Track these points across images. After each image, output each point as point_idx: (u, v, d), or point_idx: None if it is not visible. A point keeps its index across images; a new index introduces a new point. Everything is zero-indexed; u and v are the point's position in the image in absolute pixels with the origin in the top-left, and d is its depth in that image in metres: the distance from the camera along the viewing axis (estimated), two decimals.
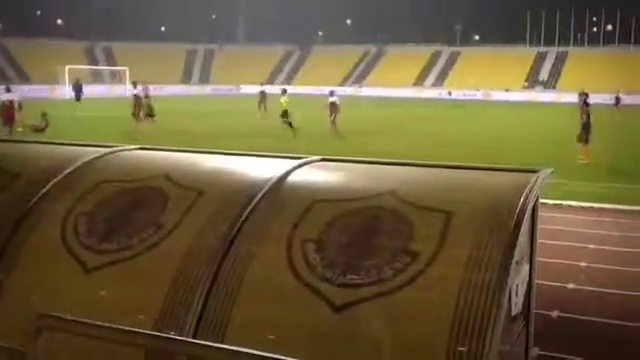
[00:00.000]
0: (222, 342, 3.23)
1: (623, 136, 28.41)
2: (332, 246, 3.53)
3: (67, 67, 58.15)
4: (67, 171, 4.52)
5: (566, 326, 7.50)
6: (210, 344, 2.54)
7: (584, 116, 20.69)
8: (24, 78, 65.40)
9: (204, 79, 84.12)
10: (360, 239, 3.55)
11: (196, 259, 3.64)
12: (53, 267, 3.94)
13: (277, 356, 2.20)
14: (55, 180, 4.44)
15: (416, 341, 3.16)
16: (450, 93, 69.93)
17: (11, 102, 25.49)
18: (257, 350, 2.32)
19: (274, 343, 3.33)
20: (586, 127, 20.43)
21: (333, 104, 30.40)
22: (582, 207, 13.95)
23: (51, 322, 2.49)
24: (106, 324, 2.52)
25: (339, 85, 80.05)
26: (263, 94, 41.71)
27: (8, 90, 26.36)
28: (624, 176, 17.76)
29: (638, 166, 19.46)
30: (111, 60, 79.62)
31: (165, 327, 3.45)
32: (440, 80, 79.99)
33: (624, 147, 24.03)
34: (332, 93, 31.52)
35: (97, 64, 77.15)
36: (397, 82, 76.13)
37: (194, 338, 3.32)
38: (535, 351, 4.95)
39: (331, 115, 30.27)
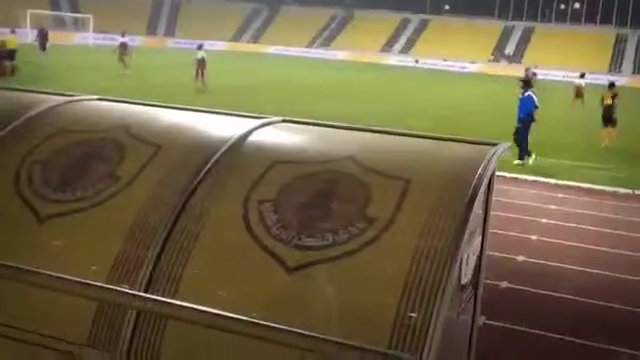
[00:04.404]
0: (174, 297, 3.24)
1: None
2: (289, 208, 3.55)
3: (29, 11, 56.61)
4: (24, 117, 4.43)
5: (514, 297, 7.69)
6: (159, 299, 2.55)
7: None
8: None
9: (169, 33, 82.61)
10: (317, 202, 3.56)
11: (152, 213, 3.63)
12: (5, 215, 3.88)
13: (227, 313, 2.22)
14: (11, 127, 4.35)
15: (366, 305, 3.21)
16: (417, 61, 69.86)
17: None
18: (209, 307, 2.33)
19: (226, 301, 3.35)
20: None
21: (201, 60, 28.96)
22: (537, 181, 14.21)
23: (1, 270, 2.47)
24: (57, 274, 2.50)
25: (306, 47, 79.55)
26: (124, 46, 35.69)
27: None
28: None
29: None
30: (74, 7, 77.57)
31: (117, 280, 3.44)
32: (407, 48, 79.84)
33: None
34: (200, 47, 30.00)
35: (60, 10, 75.07)
36: (364, 47, 75.80)
37: (146, 292, 3.32)
38: (481, 320, 5.07)
39: (198, 72, 28.87)
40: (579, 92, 32.72)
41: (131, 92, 22.55)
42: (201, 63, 29.13)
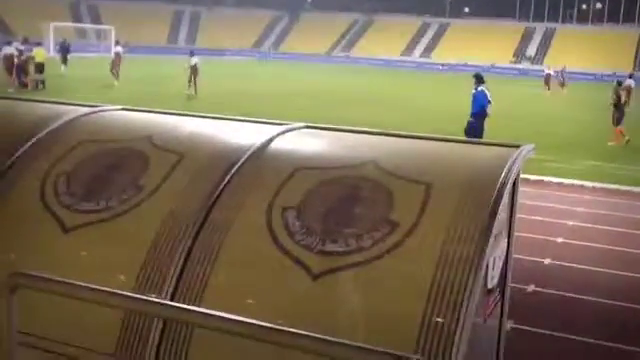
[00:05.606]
0: (199, 305, 3.25)
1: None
2: (312, 214, 3.54)
3: (52, 24, 57.21)
4: (49, 129, 4.48)
5: (541, 300, 7.60)
6: (186, 307, 2.55)
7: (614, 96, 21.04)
8: (8, 34, 64.23)
9: (190, 41, 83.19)
10: (341, 208, 3.55)
11: (176, 222, 3.64)
12: (31, 225, 3.92)
13: (252, 321, 2.21)
14: (36, 138, 4.39)
15: (392, 310, 3.18)
16: (442, 65, 69.62)
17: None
18: (234, 314, 2.33)
19: (251, 308, 3.35)
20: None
21: (194, 67, 28.78)
22: (562, 183, 14.07)
23: (26, 280, 2.48)
24: (83, 284, 2.51)
25: (326, 53, 79.65)
26: (118, 55, 35.00)
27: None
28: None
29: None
30: (96, 18, 78.45)
31: (143, 288, 3.45)
32: (428, 51, 79.69)
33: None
34: (192, 53, 29.69)
35: (82, 22, 75.91)
36: (385, 52, 75.78)
37: (171, 300, 3.33)
38: (509, 324, 5.02)
39: (190, 79, 28.65)
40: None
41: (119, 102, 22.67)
42: (194, 70, 28.98)
